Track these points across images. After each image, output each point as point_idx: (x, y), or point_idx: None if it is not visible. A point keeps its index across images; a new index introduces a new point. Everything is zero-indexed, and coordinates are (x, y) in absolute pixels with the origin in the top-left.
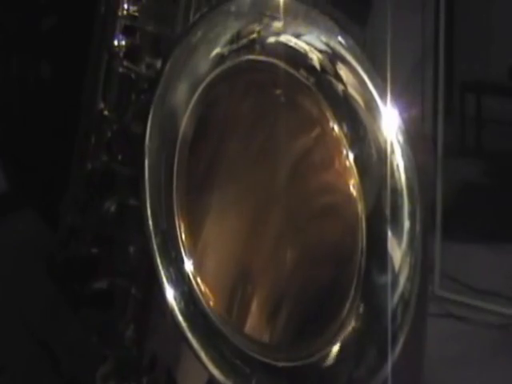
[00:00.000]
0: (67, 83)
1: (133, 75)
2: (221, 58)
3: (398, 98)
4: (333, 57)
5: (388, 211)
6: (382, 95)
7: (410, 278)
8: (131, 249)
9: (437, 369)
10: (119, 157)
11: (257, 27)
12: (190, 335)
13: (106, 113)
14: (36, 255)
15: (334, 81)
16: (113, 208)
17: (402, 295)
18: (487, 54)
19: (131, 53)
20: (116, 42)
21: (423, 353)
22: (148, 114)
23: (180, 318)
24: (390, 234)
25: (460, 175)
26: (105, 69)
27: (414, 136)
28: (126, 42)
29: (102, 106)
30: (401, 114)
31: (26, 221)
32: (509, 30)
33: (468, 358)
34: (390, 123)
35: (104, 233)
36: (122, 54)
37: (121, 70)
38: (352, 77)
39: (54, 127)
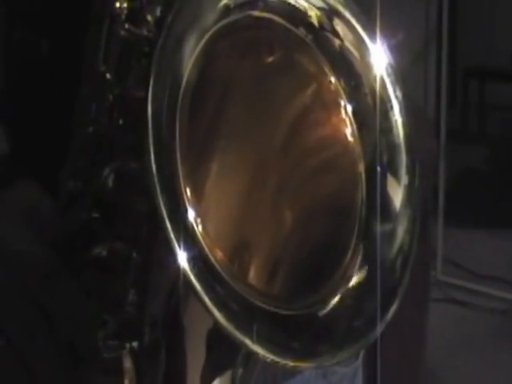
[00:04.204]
0: (69, 49)
1: (135, 38)
2: (227, 10)
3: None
4: (330, 13)
5: (386, 161)
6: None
7: (408, 231)
8: (131, 213)
9: (439, 353)
10: (120, 121)
11: None
12: (195, 282)
13: (107, 76)
14: (37, 223)
15: (331, 36)
16: (113, 173)
17: (401, 247)
18: (490, 39)
19: (133, 16)
20: (118, 4)
21: (425, 337)
22: (151, 68)
23: (190, 275)
24: (388, 182)
25: (463, 161)
26: (106, 32)
27: (416, 120)
28: (128, 5)
29: (103, 68)
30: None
31: (27, 189)
32: None
33: (470, 343)
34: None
35: (104, 198)
36: (123, 17)
37: (122, 33)
38: (348, 31)
39: (56, 93)
